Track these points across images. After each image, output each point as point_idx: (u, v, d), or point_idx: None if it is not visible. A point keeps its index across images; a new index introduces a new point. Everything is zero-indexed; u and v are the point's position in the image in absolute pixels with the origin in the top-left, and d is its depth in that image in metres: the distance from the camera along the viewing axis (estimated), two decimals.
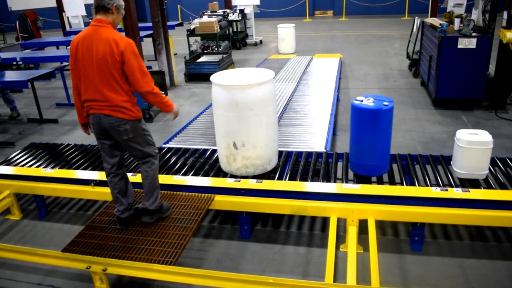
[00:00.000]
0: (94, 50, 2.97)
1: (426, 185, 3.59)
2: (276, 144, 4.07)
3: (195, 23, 11.12)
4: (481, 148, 3.62)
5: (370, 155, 3.73)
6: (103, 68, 2.97)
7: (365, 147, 3.71)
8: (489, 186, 3.59)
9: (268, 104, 3.78)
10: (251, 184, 3.67)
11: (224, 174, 4.07)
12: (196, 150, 4.62)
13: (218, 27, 11.03)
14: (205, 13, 13.04)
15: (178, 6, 21.27)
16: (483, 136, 3.64)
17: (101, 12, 3.03)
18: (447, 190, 3.35)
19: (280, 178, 3.88)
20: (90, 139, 6.33)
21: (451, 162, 3.91)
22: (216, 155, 4.33)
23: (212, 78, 3.82)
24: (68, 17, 13.58)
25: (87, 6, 12.07)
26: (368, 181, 3.83)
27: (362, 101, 3.65)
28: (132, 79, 3.04)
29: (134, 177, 3.91)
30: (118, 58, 2.95)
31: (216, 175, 4.07)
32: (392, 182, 3.82)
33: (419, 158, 4.08)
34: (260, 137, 3.82)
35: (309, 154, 4.29)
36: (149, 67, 9.52)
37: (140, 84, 3.04)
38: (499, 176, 3.73)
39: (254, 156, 3.87)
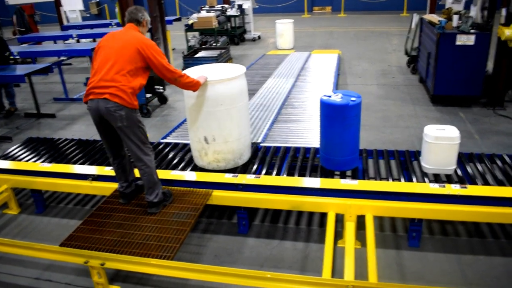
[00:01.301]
0: (120, 38, 3.32)
1: (424, 181, 3.60)
2: (248, 139, 4.09)
3: (193, 18, 11.08)
4: (448, 143, 3.63)
5: (338, 150, 3.76)
6: (124, 53, 3.24)
7: (333, 142, 3.75)
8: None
9: (239, 99, 3.81)
10: (249, 179, 3.67)
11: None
12: None
13: (216, 22, 10.98)
14: (203, 8, 12.98)
15: (176, 1, 21.18)
16: (450, 132, 3.66)
17: (135, 23, 3.46)
18: (444, 186, 3.37)
19: (278, 174, 3.88)
20: (87, 134, 6.32)
21: (420, 158, 3.92)
22: None
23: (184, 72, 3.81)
24: (65, 12, 13.53)
25: (85, 1, 12.00)
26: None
27: (330, 96, 3.67)
28: (159, 72, 3.39)
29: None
30: (141, 52, 3.26)
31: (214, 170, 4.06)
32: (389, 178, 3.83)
33: (417, 154, 4.09)
34: (230, 131, 3.84)
35: (307, 149, 4.30)
36: None
37: (167, 76, 3.42)
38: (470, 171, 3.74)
39: (225, 151, 3.89)
